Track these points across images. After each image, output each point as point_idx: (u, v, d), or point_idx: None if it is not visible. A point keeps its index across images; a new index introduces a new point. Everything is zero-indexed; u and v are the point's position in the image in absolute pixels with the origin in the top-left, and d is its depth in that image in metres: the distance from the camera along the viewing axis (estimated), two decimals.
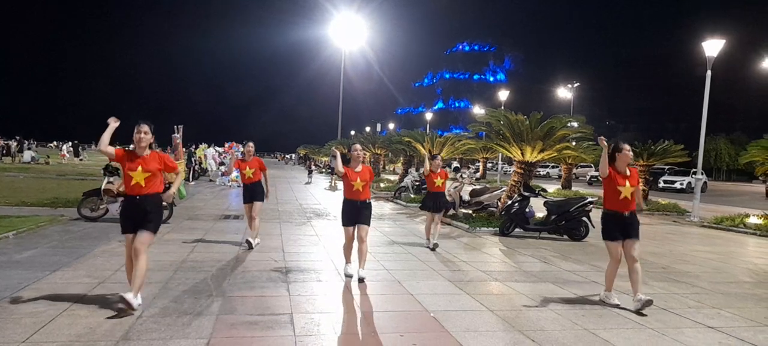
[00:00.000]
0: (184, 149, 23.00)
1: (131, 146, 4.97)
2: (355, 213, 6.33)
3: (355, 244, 6.44)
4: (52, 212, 10.65)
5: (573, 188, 25.31)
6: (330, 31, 36.58)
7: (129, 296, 4.56)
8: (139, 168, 4.78)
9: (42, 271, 5.98)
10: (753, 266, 8.56)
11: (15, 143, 35.95)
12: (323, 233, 10.15)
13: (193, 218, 11.33)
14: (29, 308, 4.67)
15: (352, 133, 52.58)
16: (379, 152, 30.83)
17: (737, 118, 75.95)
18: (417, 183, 18.51)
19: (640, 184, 5.86)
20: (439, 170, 8.95)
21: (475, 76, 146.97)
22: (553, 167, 50.12)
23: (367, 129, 68.62)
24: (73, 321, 4.37)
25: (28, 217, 9.69)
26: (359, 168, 6.44)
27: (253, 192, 8.26)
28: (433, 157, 9.06)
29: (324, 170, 41.50)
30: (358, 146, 6.52)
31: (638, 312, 5.34)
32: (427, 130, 29.46)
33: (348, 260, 6.59)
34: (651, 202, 18.93)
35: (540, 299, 5.79)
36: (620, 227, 5.51)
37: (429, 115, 66.36)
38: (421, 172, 21.14)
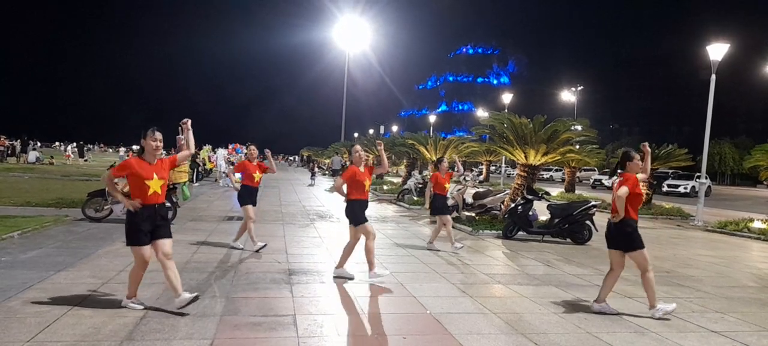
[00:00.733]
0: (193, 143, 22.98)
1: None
2: (365, 210, 6.44)
3: (357, 245, 6.51)
4: (56, 212, 10.70)
5: (576, 192, 25.28)
6: (333, 34, 36.69)
7: (183, 297, 4.73)
8: (155, 176, 4.67)
9: (46, 271, 6.00)
10: (757, 271, 8.54)
11: (19, 144, 36.09)
12: (326, 234, 10.16)
13: (196, 219, 11.36)
14: (34, 307, 4.69)
15: (355, 135, 52.68)
16: (378, 145, 30.76)
17: (742, 122, 75.70)
18: (420, 185, 18.51)
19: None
20: (445, 174, 9.08)
21: (479, 79, 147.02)
22: (556, 171, 50.09)
23: (371, 131, 68.72)
24: (77, 321, 4.39)
25: (32, 217, 9.74)
26: (362, 168, 6.49)
27: (254, 195, 8.28)
28: (439, 161, 9.16)
29: (327, 172, 41.54)
30: (358, 147, 6.55)
31: (663, 318, 5.29)
32: (431, 133, 29.47)
33: (372, 267, 6.46)
34: (655, 206, 18.88)
35: (543, 303, 5.79)
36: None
37: (432, 118, 66.36)
38: (425, 175, 21.16)
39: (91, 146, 64.54)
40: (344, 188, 6.46)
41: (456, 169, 10.81)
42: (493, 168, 48.63)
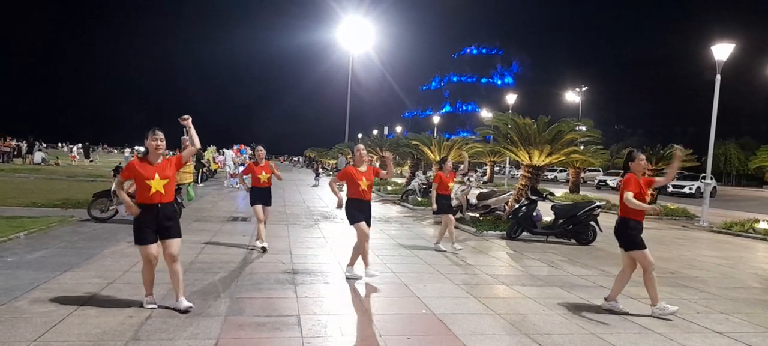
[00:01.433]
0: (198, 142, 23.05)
1: (139, 148, 5.00)
2: (364, 212, 6.39)
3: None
4: (62, 212, 10.75)
5: (581, 192, 25.23)
6: (337, 35, 36.70)
7: (184, 304, 4.81)
8: (157, 176, 4.71)
9: (52, 271, 6.04)
10: (762, 272, 8.50)
11: (25, 145, 36.29)
12: (330, 235, 10.18)
13: (201, 220, 11.40)
14: (40, 307, 4.72)
15: (359, 135, 52.69)
16: (385, 156, 30.82)
17: (747, 123, 75.30)
18: (424, 186, 18.51)
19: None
20: (448, 174, 9.07)
21: (483, 80, 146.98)
22: (560, 171, 49.96)
23: (374, 132, 68.70)
24: (83, 321, 4.42)
25: (38, 218, 9.79)
26: (364, 168, 6.48)
27: (267, 196, 8.36)
28: (443, 161, 9.19)
29: (331, 173, 41.60)
30: (360, 146, 6.58)
31: (664, 318, 5.32)
32: (435, 134, 29.48)
33: (365, 263, 6.57)
34: (660, 206, 18.82)
35: (547, 303, 5.78)
36: (641, 233, 5.40)
37: (436, 119, 66.39)
38: (429, 175, 21.16)
39: (96, 147, 64.73)
40: (343, 189, 6.52)
41: (461, 168, 10.82)
42: (497, 169, 48.55)
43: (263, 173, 8.24)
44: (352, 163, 6.60)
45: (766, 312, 5.90)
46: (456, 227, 11.91)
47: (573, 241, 10.35)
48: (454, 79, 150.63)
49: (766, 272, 8.46)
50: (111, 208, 10.12)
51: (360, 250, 6.50)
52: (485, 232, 11.06)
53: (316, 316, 4.96)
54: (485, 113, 53.60)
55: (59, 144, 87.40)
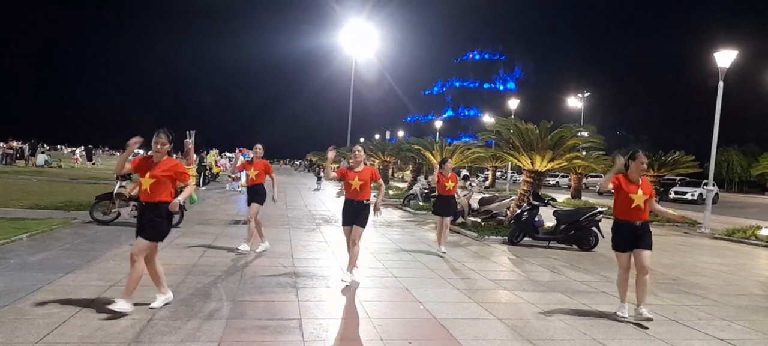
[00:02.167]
0: (195, 155, 23.15)
1: (149, 152, 5.05)
2: (352, 213, 6.42)
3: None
4: (64, 215, 10.78)
5: (583, 198, 25.21)
6: (340, 39, 36.80)
7: (120, 304, 4.62)
8: (148, 174, 4.84)
9: (55, 273, 6.06)
10: (764, 279, 8.49)
11: (28, 147, 36.35)
12: (332, 239, 10.18)
13: (203, 223, 11.42)
14: (42, 309, 4.74)
15: (361, 139, 52.68)
16: (388, 160, 30.89)
17: (750, 130, 75.22)
18: (426, 190, 18.52)
19: (653, 195, 5.74)
20: (449, 174, 9.04)
21: (485, 85, 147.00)
22: (562, 177, 49.95)
23: (377, 136, 68.76)
24: (85, 322, 4.43)
25: (41, 220, 9.82)
26: (360, 168, 6.50)
27: (255, 194, 8.30)
28: (443, 162, 9.21)
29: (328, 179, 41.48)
30: (357, 148, 6.62)
31: (638, 323, 5.34)
32: (437, 139, 29.49)
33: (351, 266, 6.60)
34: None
35: (549, 309, 5.78)
36: (630, 236, 5.42)
37: (438, 123, 66.34)
38: (430, 179, 21.17)
39: (98, 150, 64.81)
40: (332, 174, 6.76)
41: (469, 183, 10.82)
42: (499, 174, 48.56)
43: (253, 170, 8.24)
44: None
45: None
46: (457, 232, 11.92)
47: (575, 246, 10.34)
48: (457, 83, 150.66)
49: None
50: (113, 210, 10.13)
51: (349, 251, 6.56)
52: (487, 237, 11.05)
53: (317, 320, 4.96)
54: (487, 118, 53.59)
55: (59, 146, 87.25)
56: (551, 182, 50.43)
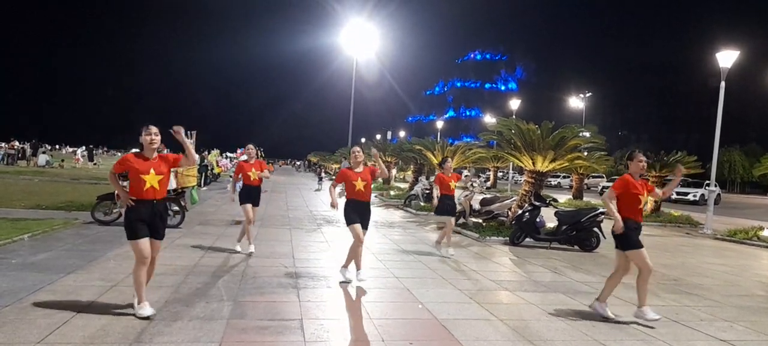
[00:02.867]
0: (196, 155, 23.15)
1: (134, 150, 4.96)
2: (360, 213, 6.43)
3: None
4: (66, 215, 10.79)
5: (584, 199, 25.17)
6: (341, 39, 36.77)
7: (142, 308, 4.69)
8: (152, 171, 4.72)
9: (56, 273, 6.06)
10: (767, 280, 8.46)
11: (30, 147, 36.40)
12: (333, 239, 10.18)
13: (204, 223, 11.42)
14: (44, 309, 4.74)
15: (362, 140, 52.73)
16: (389, 160, 30.88)
17: (752, 130, 75.07)
18: (427, 191, 18.50)
19: (653, 189, 5.77)
20: (450, 174, 9.02)
21: (487, 85, 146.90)
22: (564, 177, 49.90)
23: (378, 137, 68.79)
24: (86, 323, 4.43)
25: (42, 220, 9.83)
26: (360, 169, 6.53)
27: (252, 194, 8.23)
28: (444, 161, 9.19)
29: (333, 178, 41.57)
30: (356, 149, 6.65)
31: (637, 322, 5.36)
32: (438, 139, 29.47)
33: (357, 266, 6.58)
34: (663, 213, 18.79)
35: (550, 310, 5.77)
36: (638, 234, 5.41)
37: (440, 124, 66.37)
38: (432, 179, 21.15)
39: (99, 150, 64.81)
40: (338, 189, 6.72)
41: (471, 183, 10.80)
42: (500, 174, 48.54)
43: (253, 170, 8.18)
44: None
45: None
46: (458, 232, 11.91)
47: (576, 247, 10.32)
48: (458, 84, 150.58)
49: None
50: (114, 211, 10.15)
51: (353, 252, 6.51)
52: (488, 237, 11.04)
53: (318, 320, 4.96)
54: (489, 119, 53.60)
55: (57, 146, 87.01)
56: (553, 183, 50.39)
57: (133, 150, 5.02)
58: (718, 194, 32.07)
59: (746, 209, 28.79)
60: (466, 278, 7.26)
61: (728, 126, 19.43)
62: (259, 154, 8.61)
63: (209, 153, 28.85)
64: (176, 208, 10.51)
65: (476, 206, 13.32)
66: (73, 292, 5.36)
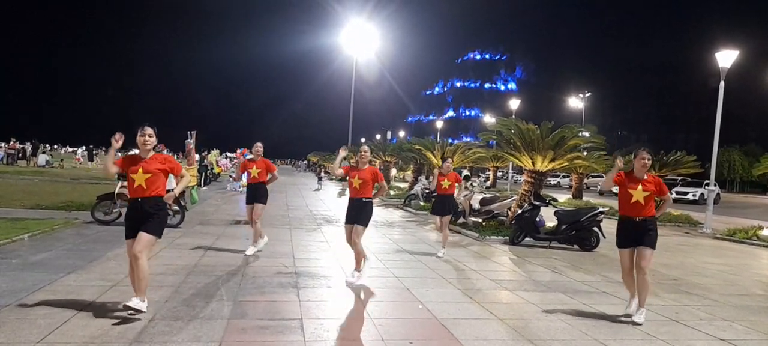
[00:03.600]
0: (196, 155, 23.17)
1: (135, 150, 4.95)
2: (353, 211, 6.54)
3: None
4: (66, 215, 10.79)
5: (584, 198, 25.19)
6: (341, 39, 36.76)
7: (134, 302, 4.58)
8: (140, 170, 4.73)
9: (56, 273, 6.06)
10: (766, 279, 8.47)
11: (30, 147, 36.41)
12: (333, 239, 10.18)
13: (204, 223, 11.42)
14: (44, 309, 4.74)
15: (362, 140, 52.75)
16: (389, 160, 30.90)
17: (751, 130, 75.12)
18: (427, 191, 18.52)
19: (660, 191, 5.62)
20: (447, 173, 8.99)
21: (486, 85, 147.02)
22: (563, 177, 49.92)
23: (377, 137, 68.83)
24: (86, 323, 4.44)
25: (42, 220, 9.83)
26: (365, 167, 6.60)
27: (256, 193, 8.05)
28: (443, 161, 9.20)
29: (333, 178, 41.62)
30: (364, 147, 6.72)
31: (629, 317, 5.42)
32: (438, 139, 29.48)
33: (358, 266, 6.67)
34: (663, 213, 18.79)
35: (550, 309, 5.78)
36: (630, 232, 5.45)
37: (439, 124, 66.42)
38: (431, 179, 21.18)
39: (99, 150, 64.71)
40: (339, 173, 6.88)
41: (470, 183, 10.81)
42: (500, 174, 48.56)
43: (255, 168, 8.05)
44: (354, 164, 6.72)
45: None
46: (458, 232, 11.92)
47: (576, 247, 10.33)
48: (458, 84, 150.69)
49: None
50: (114, 210, 10.15)
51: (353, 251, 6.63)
52: (488, 237, 11.05)
53: (318, 320, 4.96)
54: (488, 118, 53.63)
55: (54, 146, 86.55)
56: (552, 182, 50.40)
57: (133, 151, 5.00)
58: (718, 194, 32.09)
59: (746, 209, 28.81)
60: (466, 277, 7.27)
61: (728, 126, 19.46)
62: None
63: (209, 153, 28.86)
64: (176, 208, 10.51)
65: (476, 205, 13.33)
66: (73, 292, 5.37)
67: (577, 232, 10.25)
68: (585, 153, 14.79)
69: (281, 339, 4.37)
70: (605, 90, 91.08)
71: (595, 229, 10.25)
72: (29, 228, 8.70)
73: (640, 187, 5.40)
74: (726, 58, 15.64)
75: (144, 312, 4.64)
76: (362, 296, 6.00)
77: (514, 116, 26.17)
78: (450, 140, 26.73)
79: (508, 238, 10.75)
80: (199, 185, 21.46)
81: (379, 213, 15.50)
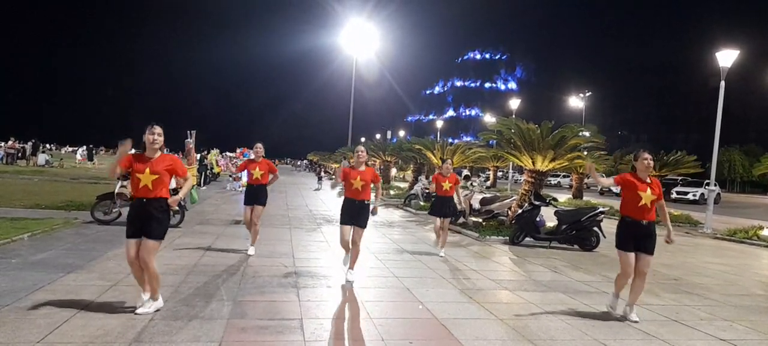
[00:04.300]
0: (196, 155, 23.16)
1: (132, 150, 4.91)
2: (353, 212, 6.47)
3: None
4: (65, 214, 10.78)
5: (584, 198, 25.18)
6: (341, 39, 36.76)
7: (150, 306, 4.74)
8: (147, 170, 4.69)
9: (56, 273, 6.06)
10: (766, 279, 8.47)
11: (30, 147, 36.37)
12: (333, 239, 10.17)
13: (204, 223, 11.42)
14: (44, 309, 4.73)
15: (362, 139, 52.75)
16: (389, 160, 30.89)
17: (752, 130, 75.15)
18: (427, 190, 18.51)
19: (662, 197, 5.57)
20: (448, 174, 8.92)
21: (486, 85, 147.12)
22: (564, 177, 49.92)
23: (377, 136, 68.83)
24: (86, 322, 4.43)
25: (42, 219, 9.82)
26: (362, 168, 6.56)
27: (257, 194, 7.93)
28: (443, 161, 9.13)
29: (333, 177, 41.63)
30: (360, 148, 6.65)
31: (624, 318, 5.42)
32: (438, 138, 29.47)
33: (352, 266, 6.66)
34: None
35: (550, 309, 5.77)
36: (636, 236, 5.35)
37: (439, 123, 66.40)
38: (431, 178, 21.17)
39: (100, 150, 64.64)
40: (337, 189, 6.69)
41: (470, 183, 10.79)
42: (500, 174, 48.56)
43: (257, 169, 7.89)
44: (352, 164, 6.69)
45: None
46: (458, 232, 11.91)
47: (576, 247, 10.32)
48: (458, 83, 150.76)
49: None
50: (114, 210, 10.14)
51: (342, 245, 6.63)
52: (488, 237, 11.04)
53: (318, 320, 4.96)
54: (489, 118, 53.61)
55: (50, 145, 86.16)
56: (552, 182, 50.41)
57: (131, 151, 4.93)
58: (718, 194, 32.10)
59: (746, 209, 28.81)
60: (465, 277, 7.26)
61: (728, 126, 19.45)
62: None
63: (209, 153, 28.85)
64: (176, 208, 10.49)
65: (476, 205, 13.32)
66: (73, 291, 5.36)
67: (578, 232, 10.24)
68: (585, 153, 14.78)
69: (281, 339, 4.37)
70: (605, 90, 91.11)
71: (596, 229, 10.24)
72: (29, 228, 8.69)
73: (648, 190, 5.30)
74: (726, 57, 15.63)
75: (161, 306, 4.84)
76: (362, 295, 5.99)
77: (514, 116, 26.17)
78: (450, 140, 26.72)
79: (508, 238, 10.75)
80: (198, 184, 21.47)
81: (379, 213, 15.47)
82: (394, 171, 35.45)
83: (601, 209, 10.45)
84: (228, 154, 35.91)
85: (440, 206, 8.93)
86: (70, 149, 77.81)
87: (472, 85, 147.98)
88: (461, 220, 12.67)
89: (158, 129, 4.82)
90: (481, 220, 12.75)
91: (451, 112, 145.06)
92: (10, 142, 34.88)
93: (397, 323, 5.05)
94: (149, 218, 4.70)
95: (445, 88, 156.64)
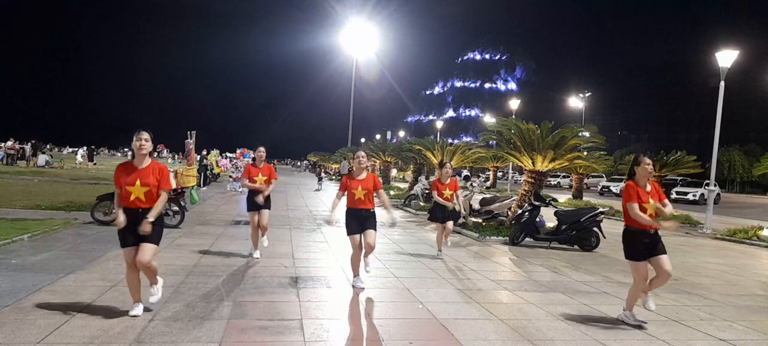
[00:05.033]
0: (196, 155, 23.16)
1: (131, 155, 4.82)
2: (360, 220, 6.17)
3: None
4: (65, 215, 10.79)
5: (584, 198, 25.18)
6: (341, 39, 36.79)
7: (151, 299, 4.74)
8: (138, 182, 4.59)
9: (56, 273, 6.06)
10: (766, 279, 8.47)
11: (30, 147, 36.36)
12: (333, 240, 10.18)
13: (204, 223, 11.42)
14: (43, 309, 4.74)
15: (362, 140, 52.84)
16: (389, 160, 30.90)
17: (751, 130, 75.07)
18: (427, 191, 18.51)
19: (664, 196, 5.38)
20: (448, 180, 8.57)
21: (486, 85, 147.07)
22: (564, 177, 49.91)
23: (377, 137, 68.80)
24: (86, 323, 4.43)
25: (42, 220, 9.82)
26: (363, 175, 6.26)
27: (262, 199, 7.80)
28: (442, 165, 8.71)
29: (334, 177, 41.62)
30: (360, 153, 6.31)
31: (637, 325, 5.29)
32: (438, 139, 29.48)
33: (356, 273, 6.44)
34: (673, 222, 18.78)
35: (550, 309, 5.77)
36: (647, 245, 5.18)
37: (439, 124, 66.40)
38: (430, 181, 21.15)
39: (99, 150, 64.75)
40: (341, 199, 6.37)
41: (470, 183, 10.75)
42: (500, 174, 48.55)
43: (260, 175, 7.77)
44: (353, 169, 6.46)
45: None
46: (458, 232, 11.91)
47: (576, 247, 10.32)
48: (458, 83, 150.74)
49: None
50: (114, 211, 10.13)
51: (354, 261, 6.38)
52: (488, 237, 11.04)
53: (318, 320, 4.96)
54: (488, 118, 53.61)
55: (50, 145, 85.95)
56: (552, 183, 50.39)
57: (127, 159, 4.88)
58: (718, 194, 32.11)
59: (746, 209, 28.80)
60: (465, 277, 7.26)
61: (728, 126, 19.48)
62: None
63: (209, 153, 28.85)
64: (176, 208, 10.51)
65: (476, 205, 13.33)
66: (73, 292, 5.36)
67: (578, 232, 10.24)
68: (585, 153, 14.79)
69: (281, 339, 4.37)
70: (605, 90, 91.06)
71: (596, 229, 10.24)
72: (29, 228, 8.69)
73: (650, 200, 5.15)
74: (726, 58, 15.63)
75: (159, 296, 4.86)
76: (362, 296, 5.99)
77: (514, 116, 26.18)
78: (450, 140, 26.73)
79: (508, 238, 10.74)
80: (198, 185, 21.47)
81: (378, 213, 15.47)
82: (394, 172, 35.47)
83: (601, 210, 10.45)
84: (228, 154, 35.93)
85: (442, 211, 8.54)
86: (71, 150, 77.84)
87: (472, 85, 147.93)
88: (461, 220, 12.67)
89: (145, 135, 4.67)
90: (480, 220, 12.76)
91: (451, 113, 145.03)
92: (10, 143, 34.87)
93: (397, 323, 5.05)
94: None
95: (445, 89, 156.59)
